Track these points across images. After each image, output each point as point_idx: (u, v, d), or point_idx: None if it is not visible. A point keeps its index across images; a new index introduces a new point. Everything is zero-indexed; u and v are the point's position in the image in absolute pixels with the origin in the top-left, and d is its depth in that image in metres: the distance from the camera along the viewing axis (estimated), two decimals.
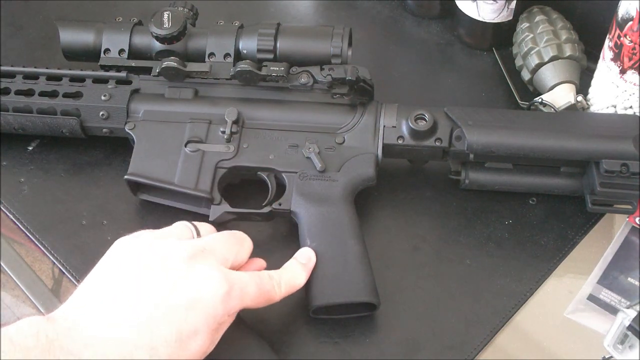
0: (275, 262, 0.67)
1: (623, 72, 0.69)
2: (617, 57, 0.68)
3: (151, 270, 0.52)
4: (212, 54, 0.71)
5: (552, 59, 0.75)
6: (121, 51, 0.72)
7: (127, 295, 0.51)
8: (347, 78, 0.67)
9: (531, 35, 0.77)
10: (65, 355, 0.47)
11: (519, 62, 0.80)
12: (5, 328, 0.47)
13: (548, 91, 0.75)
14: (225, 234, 0.58)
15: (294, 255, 0.62)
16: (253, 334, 0.59)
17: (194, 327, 0.51)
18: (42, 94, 0.71)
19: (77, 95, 0.71)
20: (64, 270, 0.68)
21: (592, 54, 0.77)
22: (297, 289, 0.60)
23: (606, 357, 0.62)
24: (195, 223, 0.59)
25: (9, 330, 0.47)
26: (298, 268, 0.60)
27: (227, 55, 0.71)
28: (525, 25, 0.79)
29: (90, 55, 0.73)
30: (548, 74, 0.76)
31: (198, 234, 0.58)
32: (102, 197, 0.72)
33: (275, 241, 0.69)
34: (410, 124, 0.67)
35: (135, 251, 0.54)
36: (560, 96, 0.74)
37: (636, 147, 0.64)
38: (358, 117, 0.69)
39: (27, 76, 0.72)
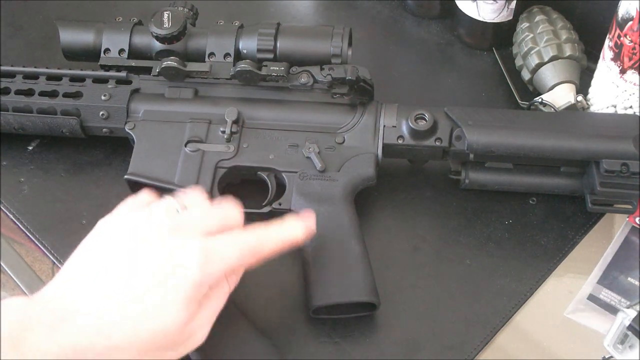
0: (275, 262, 0.67)
1: (623, 72, 0.69)
2: (617, 57, 0.68)
3: (130, 247, 0.52)
4: (212, 54, 0.71)
5: (552, 59, 0.75)
6: (121, 51, 0.72)
7: (105, 272, 0.51)
8: (347, 78, 0.67)
9: (531, 35, 0.77)
10: (44, 329, 0.47)
11: (519, 62, 0.80)
12: None
13: (548, 91, 0.75)
14: (209, 206, 0.57)
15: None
16: (260, 336, 0.59)
17: (172, 298, 0.50)
18: (42, 93, 0.71)
19: (77, 95, 0.71)
20: None
21: (592, 54, 0.77)
22: (293, 243, 0.58)
23: (606, 357, 0.62)
24: (181, 195, 0.57)
25: None
26: (295, 222, 0.59)
27: (227, 55, 0.71)
28: (525, 25, 0.79)
29: (90, 55, 0.73)
30: (548, 74, 0.76)
31: (184, 207, 0.56)
32: (102, 197, 0.72)
33: None
34: (410, 124, 0.67)
35: (115, 230, 0.54)
36: (560, 96, 0.74)
37: (636, 147, 0.64)
38: (358, 117, 0.69)
39: (27, 76, 0.72)
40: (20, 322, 0.47)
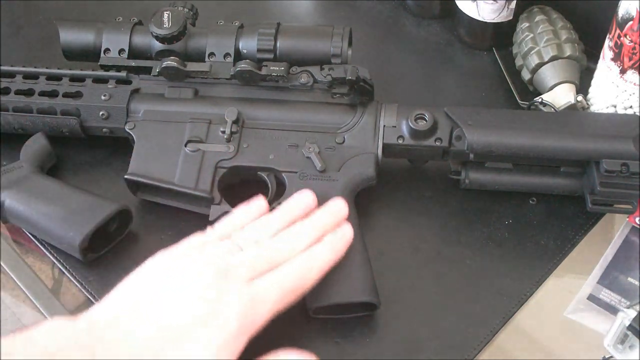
0: None
1: (623, 72, 0.69)
2: (617, 57, 0.68)
3: (175, 289, 0.53)
4: (212, 54, 0.71)
5: (552, 59, 0.75)
6: (121, 51, 0.72)
7: (146, 312, 0.51)
8: (347, 78, 0.67)
9: (531, 35, 0.77)
10: (79, 351, 0.47)
11: (519, 62, 0.80)
12: (27, 330, 0.48)
13: (548, 91, 0.75)
14: (268, 238, 0.58)
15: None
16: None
17: (203, 347, 0.50)
18: (42, 93, 0.71)
19: (77, 95, 0.71)
20: (64, 270, 0.68)
21: (592, 54, 0.77)
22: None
23: (606, 357, 0.62)
24: (240, 233, 0.58)
25: (32, 333, 0.48)
26: (334, 244, 0.60)
27: (227, 55, 0.71)
28: (525, 25, 0.79)
29: (90, 55, 0.73)
30: (548, 74, 0.76)
31: (240, 249, 0.57)
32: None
33: None
34: (410, 124, 0.67)
35: (165, 269, 0.55)
36: (560, 96, 0.74)
37: (636, 147, 0.64)
38: (358, 117, 0.69)
39: (27, 76, 0.73)
40: (59, 343, 0.47)
